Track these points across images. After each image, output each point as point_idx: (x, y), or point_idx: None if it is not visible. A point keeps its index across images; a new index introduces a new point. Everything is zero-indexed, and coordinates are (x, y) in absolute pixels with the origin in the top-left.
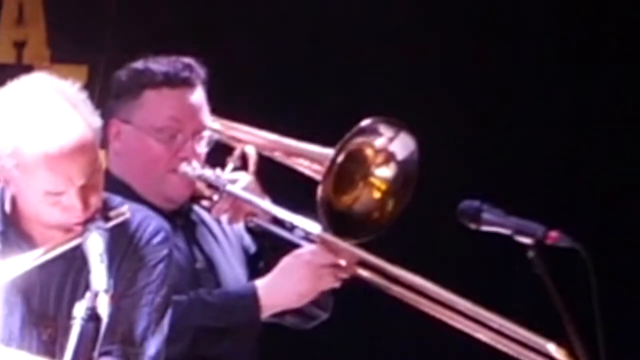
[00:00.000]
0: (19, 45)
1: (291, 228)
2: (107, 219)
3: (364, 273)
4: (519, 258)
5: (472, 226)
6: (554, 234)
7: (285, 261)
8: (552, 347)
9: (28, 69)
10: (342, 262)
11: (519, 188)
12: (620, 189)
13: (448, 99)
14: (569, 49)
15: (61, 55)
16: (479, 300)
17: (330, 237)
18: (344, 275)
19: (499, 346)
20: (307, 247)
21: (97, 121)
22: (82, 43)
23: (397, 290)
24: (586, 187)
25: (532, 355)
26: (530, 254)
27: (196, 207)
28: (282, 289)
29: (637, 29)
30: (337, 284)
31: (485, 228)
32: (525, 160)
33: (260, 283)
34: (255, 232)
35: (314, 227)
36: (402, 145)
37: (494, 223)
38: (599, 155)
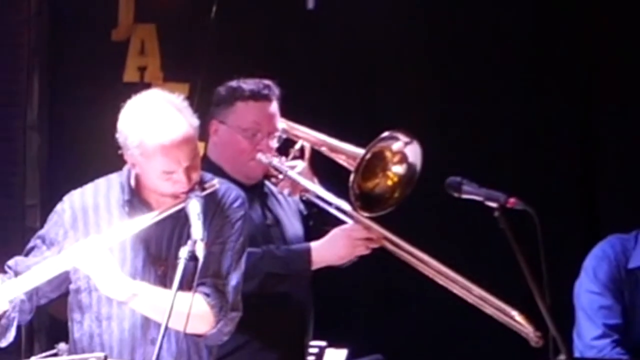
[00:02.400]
0: (142, 69)
1: (328, 202)
2: (202, 189)
3: (388, 246)
4: (488, 217)
5: (455, 195)
6: (512, 199)
7: (333, 232)
8: (515, 313)
9: (147, 86)
10: (374, 237)
11: (490, 168)
12: (565, 166)
13: (443, 113)
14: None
15: (171, 76)
16: (459, 245)
17: (366, 220)
18: (374, 246)
19: (468, 299)
20: (349, 224)
21: (195, 121)
22: (185, 68)
23: (408, 258)
24: (541, 167)
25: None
26: (496, 214)
27: (268, 183)
28: (328, 252)
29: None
30: (367, 252)
31: (464, 196)
32: (495, 150)
33: (313, 245)
34: (307, 202)
35: (343, 204)
36: (413, 151)
37: (471, 192)
38: (551, 147)
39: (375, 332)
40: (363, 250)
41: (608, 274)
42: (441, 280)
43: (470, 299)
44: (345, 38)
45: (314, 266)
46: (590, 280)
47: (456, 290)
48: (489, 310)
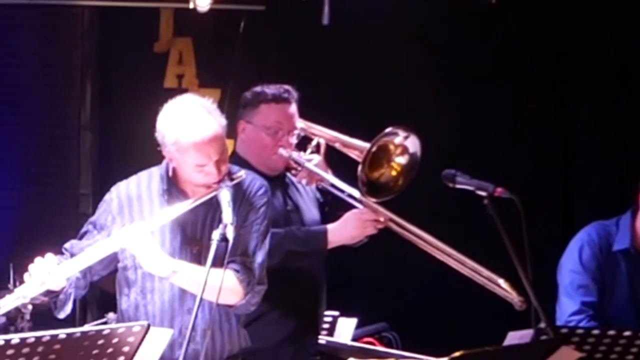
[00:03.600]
0: (180, 77)
1: (341, 190)
2: (231, 179)
3: (393, 226)
4: (478, 204)
5: (450, 185)
6: (499, 189)
7: (346, 215)
8: (503, 282)
9: (185, 91)
10: (381, 219)
11: (479, 162)
12: (545, 161)
13: (439, 114)
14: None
15: (204, 83)
16: (453, 229)
17: (374, 204)
18: (381, 227)
19: (462, 271)
20: (360, 208)
21: (223, 121)
22: (217, 76)
23: (411, 237)
24: (524, 162)
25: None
26: (485, 201)
27: (288, 174)
28: (342, 233)
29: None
30: (375, 232)
31: (458, 186)
32: (484, 146)
33: (329, 227)
34: (322, 190)
35: (354, 191)
36: (412, 144)
37: (464, 183)
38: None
39: (381, 303)
40: (372, 231)
41: (590, 257)
42: (439, 255)
43: (464, 270)
44: (354, 49)
45: (330, 245)
46: (574, 261)
47: (452, 263)
48: (480, 280)
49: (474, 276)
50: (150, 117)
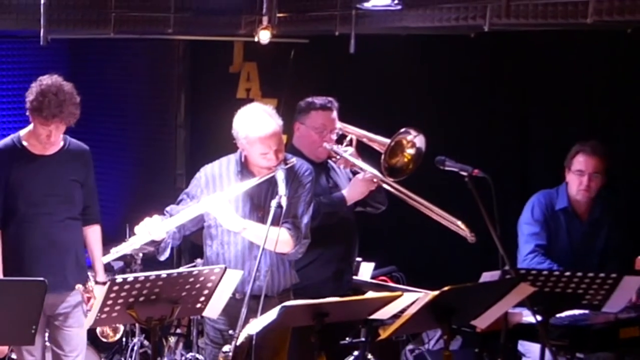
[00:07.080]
0: (248, 90)
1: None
2: (285, 164)
3: (385, 185)
4: (461, 181)
5: (441, 167)
6: (476, 170)
7: (352, 180)
8: (460, 223)
9: (251, 100)
10: (374, 180)
11: (462, 152)
12: (508, 148)
13: (435, 118)
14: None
15: (266, 94)
16: (444, 198)
17: (372, 172)
18: (376, 184)
19: (431, 215)
20: (360, 173)
21: (280, 121)
22: (275, 89)
23: (394, 191)
24: (493, 150)
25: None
26: (466, 179)
27: (330, 161)
28: (354, 191)
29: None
30: (373, 187)
31: (447, 168)
32: (466, 140)
33: (344, 191)
34: (354, 173)
35: (376, 172)
36: (419, 140)
37: (451, 166)
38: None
39: (392, 252)
40: (372, 186)
41: (539, 213)
42: (416, 205)
43: (433, 215)
44: (375, 70)
45: (349, 202)
46: (529, 216)
47: (424, 209)
48: (445, 222)
49: (440, 219)
50: (226, 118)
